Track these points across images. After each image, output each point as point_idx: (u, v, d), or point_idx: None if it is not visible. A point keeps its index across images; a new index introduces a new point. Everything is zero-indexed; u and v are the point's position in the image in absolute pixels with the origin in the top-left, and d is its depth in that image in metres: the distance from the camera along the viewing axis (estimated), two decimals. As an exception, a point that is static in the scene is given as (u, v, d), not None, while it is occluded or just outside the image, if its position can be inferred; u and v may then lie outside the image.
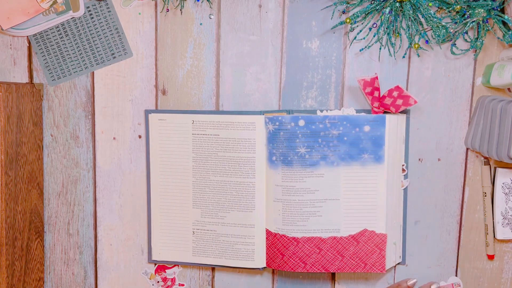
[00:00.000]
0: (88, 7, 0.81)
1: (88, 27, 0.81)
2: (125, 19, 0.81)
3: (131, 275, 0.87)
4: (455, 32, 0.76)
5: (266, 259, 0.81)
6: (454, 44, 0.77)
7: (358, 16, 0.76)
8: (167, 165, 0.82)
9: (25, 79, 0.83)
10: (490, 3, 0.72)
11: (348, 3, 0.77)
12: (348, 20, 0.76)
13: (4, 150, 0.74)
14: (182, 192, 0.82)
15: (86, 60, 0.82)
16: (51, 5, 0.80)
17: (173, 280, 0.86)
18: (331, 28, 0.79)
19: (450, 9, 0.74)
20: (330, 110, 0.80)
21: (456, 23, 0.76)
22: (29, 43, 0.82)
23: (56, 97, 0.84)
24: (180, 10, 0.80)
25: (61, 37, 0.82)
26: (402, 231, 0.82)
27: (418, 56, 0.79)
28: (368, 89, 0.76)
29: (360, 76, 0.78)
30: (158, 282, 0.86)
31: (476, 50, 0.77)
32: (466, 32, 0.76)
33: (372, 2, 0.76)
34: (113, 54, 0.82)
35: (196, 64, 0.81)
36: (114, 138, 0.84)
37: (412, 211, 0.82)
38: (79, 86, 0.83)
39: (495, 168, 0.80)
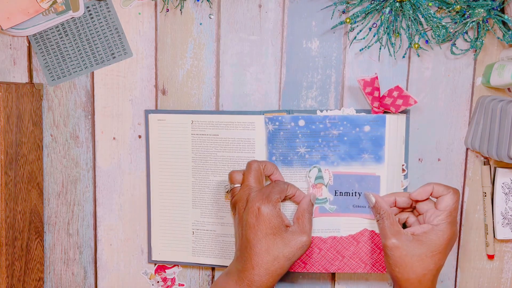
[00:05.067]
0: (88, 7, 0.81)
1: (88, 27, 0.81)
2: (125, 19, 0.81)
3: (131, 275, 0.87)
4: (455, 32, 0.76)
5: (266, 259, 0.81)
6: (454, 44, 0.77)
7: (358, 16, 0.76)
8: (167, 165, 0.82)
9: (25, 79, 0.83)
10: (490, 3, 0.72)
11: (348, 3, 0.77)
12: (348, 20, 0.76)
13: (4, 150, 0.74)
14: (181, 192, 0.82)
15: (86, 60, 0.82)
16: (51, 5, 0.80)
17: (173, 280, 0.86)
18: (331, 28, 0.79)
19: (450, 9, 0.74)
20: (330, 110, 0.80)
21: (456, 23, 0.76)
22: (29, 43, 0.82)
23: (56, 97, 0.83)
24: (180, 10, 0.80)
25: (61, 37, 0.82)
26: (402, 231, 0.82)
27: (418, 56, 0.79)
28: (368, 89, 0.76)
29: (360, 76, 0.78)
30: (158, 282, 0.86)
31: (476, 50, 0.77)
32: (466, 32, 0.76)
33: (372, 2, 0.76)
34: (113, 54, 0.82)
35: (196, 64, 0.81)
36: (114, 138, 0.84)
37: (412, 211, 0.82)
38: (79, 86, 0.83)
39: (495, 168, 0.80)
